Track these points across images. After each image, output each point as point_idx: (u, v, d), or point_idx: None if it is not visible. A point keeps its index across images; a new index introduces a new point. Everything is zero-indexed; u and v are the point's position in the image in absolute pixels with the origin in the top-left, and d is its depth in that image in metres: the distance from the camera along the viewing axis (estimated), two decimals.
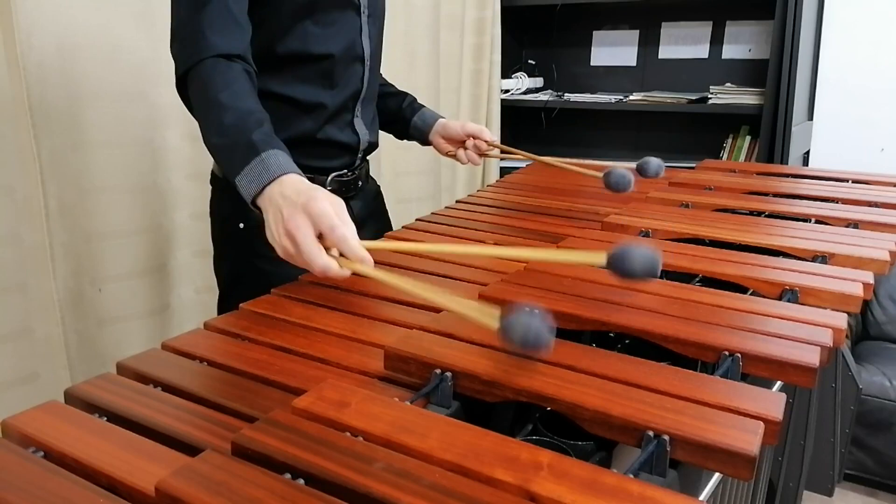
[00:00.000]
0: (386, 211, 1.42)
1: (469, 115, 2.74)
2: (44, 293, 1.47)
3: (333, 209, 0.79)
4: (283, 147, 0.89)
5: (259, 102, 0.95)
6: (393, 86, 1.46)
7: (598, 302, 0.85)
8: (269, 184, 0.84)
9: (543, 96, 3.02)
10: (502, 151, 1.44)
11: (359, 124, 1.23)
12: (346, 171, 1.22)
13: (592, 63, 3.05)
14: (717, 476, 0.71)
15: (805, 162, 2.67)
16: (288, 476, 0.53)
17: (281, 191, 0.83)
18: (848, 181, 1.58)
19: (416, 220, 1.38)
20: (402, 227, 1.33)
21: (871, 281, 0.94)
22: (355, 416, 0.60)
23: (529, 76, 3.11)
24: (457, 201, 1.55)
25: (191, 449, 0.60)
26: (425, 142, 1.43)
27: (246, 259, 1.14)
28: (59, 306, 1.49)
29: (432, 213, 1.43)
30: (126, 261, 1.61)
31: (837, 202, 1.39)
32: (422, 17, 2.44)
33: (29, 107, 1.38)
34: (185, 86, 0.97)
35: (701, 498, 0.68)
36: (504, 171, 2.78)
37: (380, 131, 1.35)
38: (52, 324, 1.49)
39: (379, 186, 1.40)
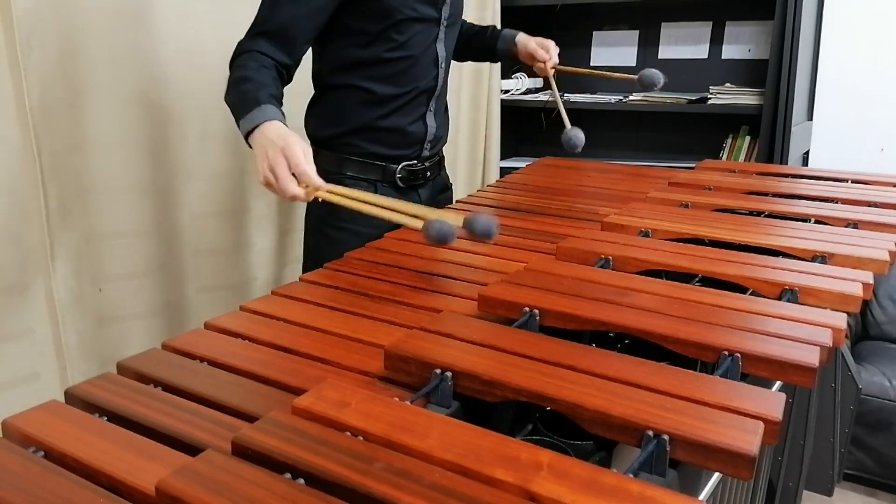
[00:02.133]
0: (450, 203, 1.55)
1: (469, 115, 2.74)
2: (44, 293, 1.47)
3: (302, 152, 1.03)
4: (279, 106, 1.14)
5: (277, 85, 1.19)
6: (473, 25, 1.68)
7: (598, 302, 0.85)
8: (259, 125, 1.08)
9: (543, 96, 3.02)
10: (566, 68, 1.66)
11: (430, 118, 1.41)
12: (415, 161, 1.40)
13: (592, 63, 3.05)
14: (716, 476, 0.71)
15: (805, 162, 2.67)
16: (288, 476, 0.53)
17: (266, 133, 1.06)
18: (847, 181, 1.58)
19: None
20: (401, 227, 1.33)
21: (871, 281, 0.94)
22: (355, 415, 0.60)
23: (529, 76, 3.11)
24: (457, 201, 1.55)
25: (191, 449, 0.60)
26: (512, 56, 1.65)
27: (319, 228, 1.39)
28: (59, 306, 1.49)
29: None
30: (126, 261, 1.61)
31: (837, 202, 1.39)
32: None
33: (29, 107, 1.38)
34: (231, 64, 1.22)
35: (701, 498, 0.68)
36: (504, 171, 2.78)
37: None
38: (52, 324, 1.49)
39: (451, 184, 1.58)
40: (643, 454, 0.57)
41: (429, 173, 1.45)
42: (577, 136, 1.50)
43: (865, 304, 1.35)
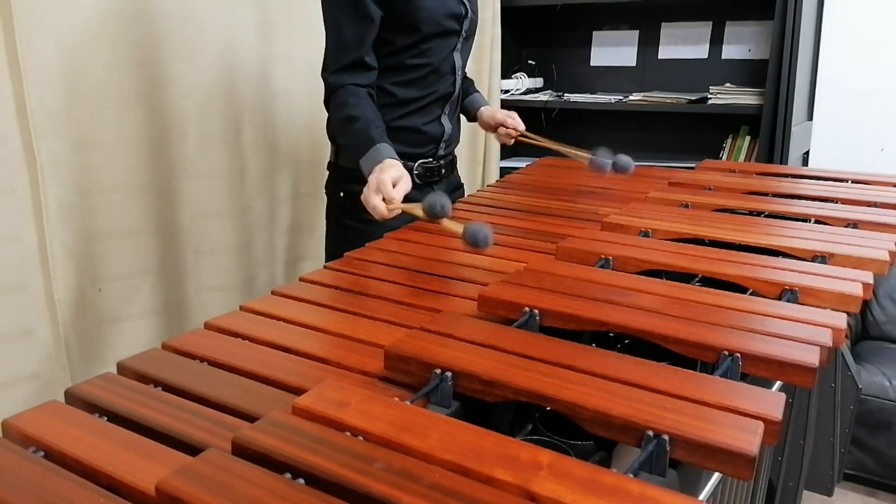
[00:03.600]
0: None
1: None
2: (44, 293, 1.47)
3: (389, 177, 1.15)
4: (389, 141, 1.28)
5: (376, 111, 1.33)
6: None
7: (598, 302, 0.85)
8: (378, 163, 1.21)
9: (543, 96, 3.02)
10: (529, 138, 1.69)
11: (445, 119, 1.51)
12: (430, 158, 1.49)
13: (592, 63, 3.05)
14: (716, 476, 0.71)
15: (805, 162, 2.66)
16: (288, 476, 0.53)
17: (381, 167, 1.20)
18: (847, 181, 1.58)
19: (417, 220, 1.38)
20: (404, 227, 1.33)
21: (871, 281, 0.94)
22: (355, 415, 0.60)
23: (529, 76, 3.11)
24: (457, 201, 1.55)
25: (191, 449, 0.60)
26: (472, 120, 1.75)
27: (341, 220, 1.48)
28: (59, 306, 1.49)
29: None
30: (126, 261, 1.61)
31: (837, 202, 1.39)
32: None
33: (29, 107, 1.38)
34: (328, 104, 1.38)
35: (700, 498, 0.68)
36: (504, 171, 2.78)
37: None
38: (52, 324, 1.49)
39: (463, 184, 1.69)
40: (643, 454, 0.57)
41: (444, 171, 1.53)
42: (626, 161, 1.54)
43: (865, 304, 1.35)
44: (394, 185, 1.15)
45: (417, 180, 1.44)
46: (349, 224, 1.44)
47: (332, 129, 1.44)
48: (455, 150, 1.58)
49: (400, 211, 1.14)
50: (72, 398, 0.71)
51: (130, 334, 1.64)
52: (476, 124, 1.76)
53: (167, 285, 1.73)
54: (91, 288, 1.55)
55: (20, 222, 1.41)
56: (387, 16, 1.34)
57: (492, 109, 1.72)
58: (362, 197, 1.17)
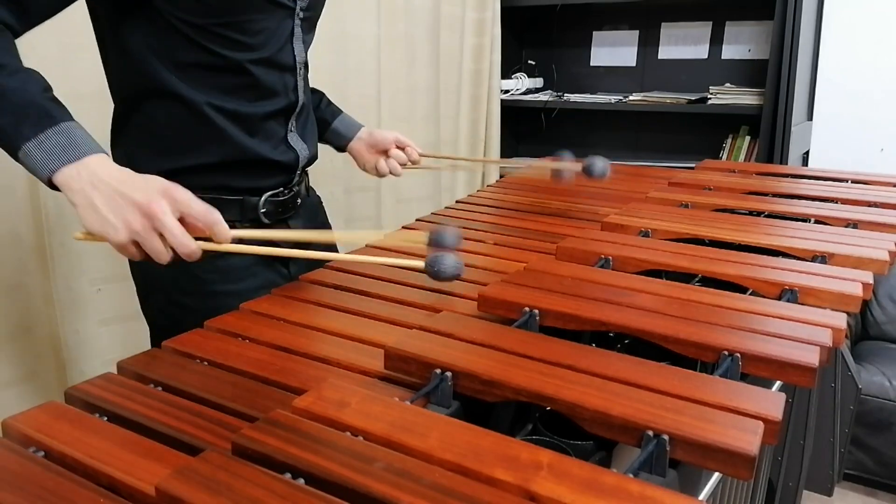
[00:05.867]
0: (329, 225, 1.29)
1: (469, 116, 2.74)
2: (44, 293, 1.47)
3: (190, 194, 0.78)
4: (72, 116, 0.82)
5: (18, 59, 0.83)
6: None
7: (598, 302, 0.85)
8: (81, 159, 0.78)
9: (543, 96, 3.02)
10: (436, 158, 1.42)
11: (294, 139, 1.09)
12: (281, 188, 1.09)
13: (592, 63, 3.05)
14: (716, 476, 0.71)
15: (805, 162, 2.67)
16: (288, 476, 0.53)
17: (104, 171, 0.77)
18: (847, 181, 1.58)
19: (416, 220, 1.38)
20: (402, 228, 1.33)
21: (871, 281, 0.94)
22: (355, 415, 0.60)
23: (529, 76, 3.11)
24: (457, 201, 1.55)
25: (191, 449, 0.60)
26: (341, 148, 1.34)
27: (170, 296, 1.05)
28: (59, 306, 1.49)
29: (432, 213, 1.43)
30: (126, 261, 1.60)
31: (837, 202, 1.39)
32: (422, 18, 2.44)
33: None
34: None
35: (700, 498, 0.68)
36: (504, 172, 2.78)
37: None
38: (52, 324, 1.49)
39: (319, 198, 1.26)
40: (643, 454, 0.57)
41: (298, 200, 1.14)
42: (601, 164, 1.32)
43: (865, 304, 1.35)
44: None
45: (265, 219, 1.06)
46: (184, 301, 1.04)
47: None
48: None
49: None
50: (72, 398, 0.71)
51: (130, 334, 1.63)
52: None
53: None
54: (91, 288, 1.55)
55: (20, 222, 1.41)
56: None
57: (373, 131, 1.33)
58: (122, 235, 0.76)
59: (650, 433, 0.57)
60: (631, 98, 2.79)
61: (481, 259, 1.12)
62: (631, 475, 0.54)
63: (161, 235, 0.76)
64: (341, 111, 1.34)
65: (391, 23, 2.27)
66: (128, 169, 0.80)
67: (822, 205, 1.35)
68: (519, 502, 0.50)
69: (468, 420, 0.61)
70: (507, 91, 3.02)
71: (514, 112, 3.07)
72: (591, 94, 2.99)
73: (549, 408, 0.65)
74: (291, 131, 1.09)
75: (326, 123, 1.32)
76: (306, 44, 1.09)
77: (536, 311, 0.83)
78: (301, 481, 0.53)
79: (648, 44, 2.92)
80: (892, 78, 2.50)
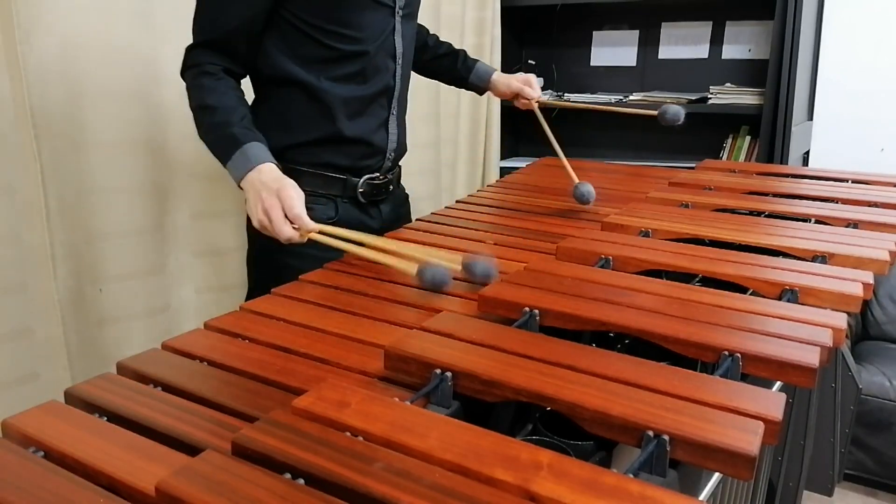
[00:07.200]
0: (411, 218, 1.47)
1: (469, 115, 2.74)
2: (44, 293, 1.47)
3: (297, 195, 1.03)
4: (262, 139, 1.11)
5: (242, 100, 1.14)
6: (445, 44, 1.59)
7: (598, 302, 0.85)
8: (249, 171, 1.07)
9: (543, 96, 3.01)
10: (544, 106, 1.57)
11: (392, 124, 1.30)
12: (377, 174, 1.30)
13: (592, 63, 3.05)
14: (716, 476, 0.71)
15: (805, 162, 2.67)
16: (288, 476, 0.53)
17: (259, 177, 1.06)
18: (848, 181, 1.58)
19: (416, 220, 1.38)
20: (402, 227, 1.33)
21: (871, 281, 0.94)
22: (355, 416, 0.60)
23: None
24: (457, 201, 1.55)
25: (191, 449, 0.60)
26: (482, 92, 1.60)
27: (269, 252, 1.25)
28: (59, 306, 1.49)
29: (432, 213, 1.43)
30: (126, 261, 1.61)
31: (837, 202, 1.39)
32: (422, 18, 2.41)
33: (29, 107, 1.38)
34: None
35: (701, 498, 0.68)
36: (504, 171, 2.78)
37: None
38: (52, 324, 1.49)
39: (407, 194, 1.48)
40: (643, 454, 0.57)
41: (391, 186, 1.35)
42: (587, 190, 1.39)
43: (865, 304, 1.35)
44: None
45: (361, 199, 1.28)
46: (277, 259, 1.22)
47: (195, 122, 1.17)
48: (402, 161, 1.41)
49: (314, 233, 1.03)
50: (72, 398, 0.71)
51: (130, 334, 1.63)
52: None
53: (167, 285, 1.73)
54: (91, 288, 1.55)
55: (20, 222, 1.41)
56: None
57: (507, 78, 1.55)
58: (256, 220, 1.04)
59: (650, 433, 0.57)
60: (631, 98, 2.79)
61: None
62: (631, 475, 0.54)
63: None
64: (475, 64, 1.57)
65: None
66: (277, 173, 1.06)
67: (823, 205, 1.35)
68: (519, 502, 0.50)
69: (468, 420, 0.61)
70: None
71: (515, 112, 3.06)
72: (592, 93, 2.98)
73: (549, 408, 0.65)
74: (392, 114, 1.29)
75: (464, 80, 1.58)
76: (405, 37, 1.28)
77: (536, 311, 0.83)
78: (301, 481, 0.53)
79: (649, 44, 2.92)
80: (893, 78, 2.50)
